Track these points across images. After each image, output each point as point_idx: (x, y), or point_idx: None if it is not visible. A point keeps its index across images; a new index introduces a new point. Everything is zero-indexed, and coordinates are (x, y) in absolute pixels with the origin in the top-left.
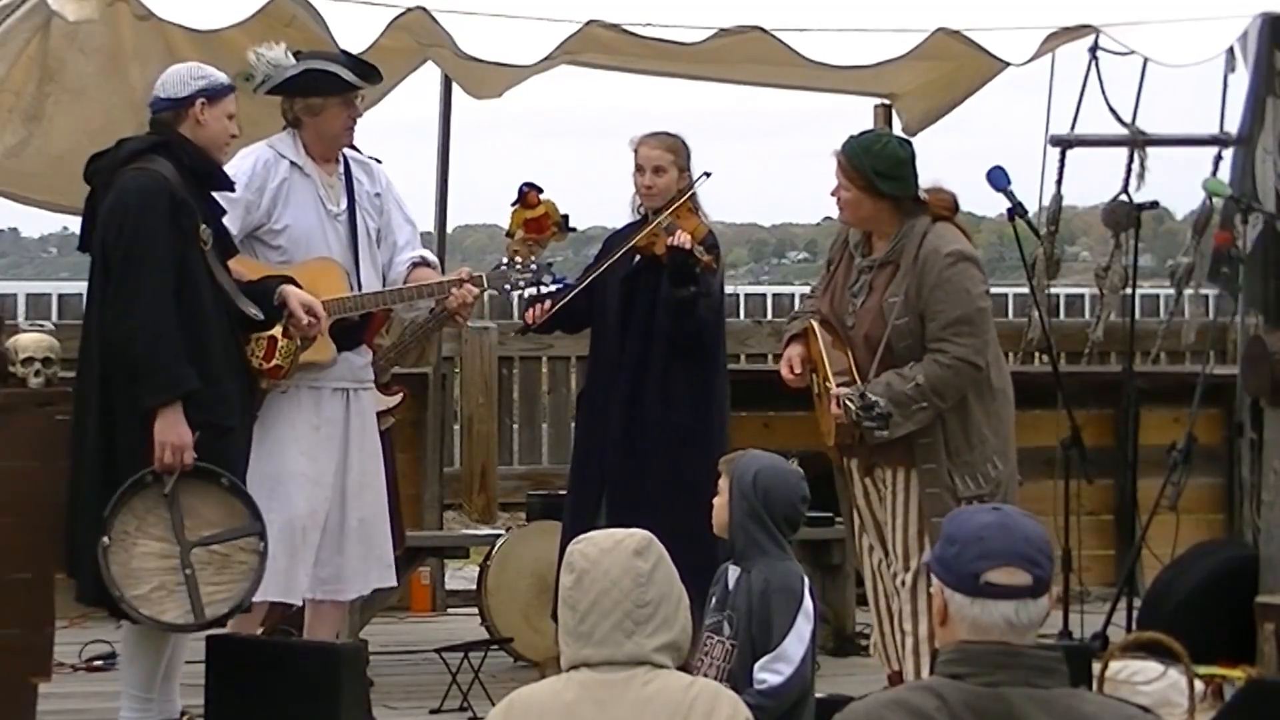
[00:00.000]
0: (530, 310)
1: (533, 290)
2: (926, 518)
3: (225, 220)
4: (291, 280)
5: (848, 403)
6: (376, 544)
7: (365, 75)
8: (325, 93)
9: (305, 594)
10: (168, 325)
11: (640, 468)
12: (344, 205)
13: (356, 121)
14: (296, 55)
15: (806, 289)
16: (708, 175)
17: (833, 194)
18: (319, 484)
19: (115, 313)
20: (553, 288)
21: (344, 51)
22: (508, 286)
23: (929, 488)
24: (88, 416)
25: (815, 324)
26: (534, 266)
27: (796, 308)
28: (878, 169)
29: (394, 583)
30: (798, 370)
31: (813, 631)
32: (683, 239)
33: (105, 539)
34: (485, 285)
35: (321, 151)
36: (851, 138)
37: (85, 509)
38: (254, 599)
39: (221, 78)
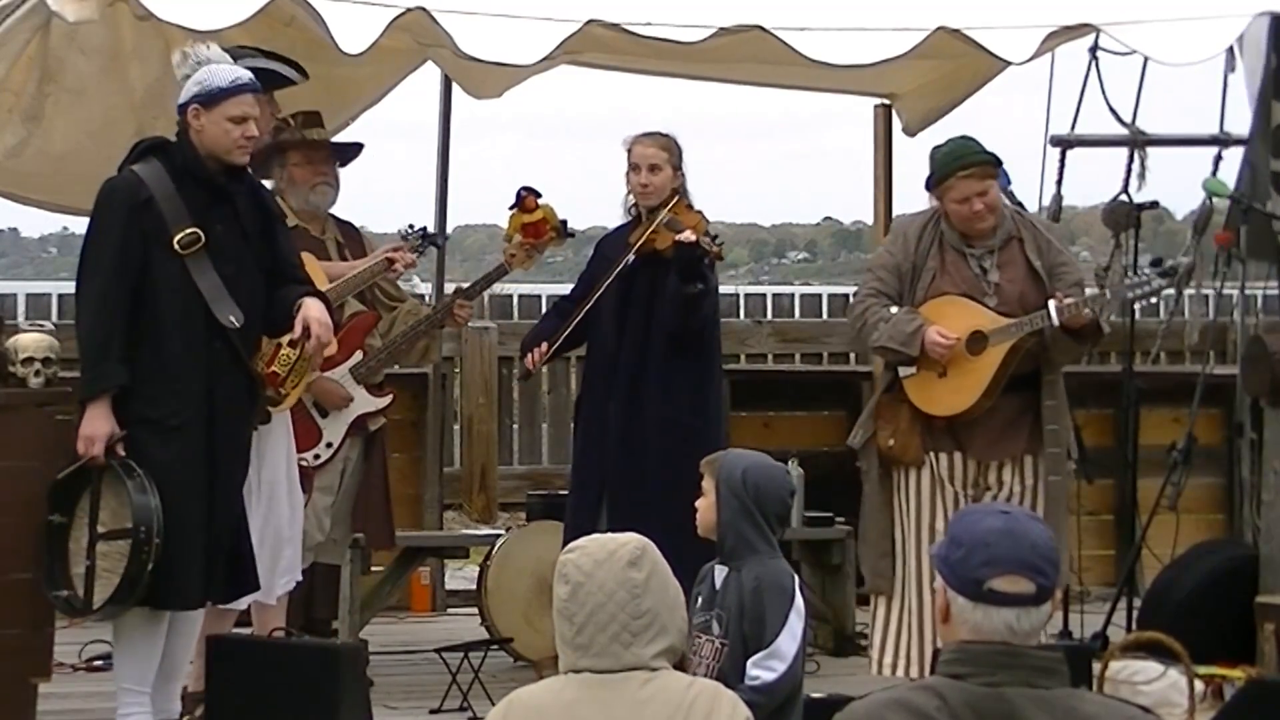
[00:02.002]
0: (529, 355)
1: (422, 254)
2: (1043, 479)
3: None
4: (323, 295)
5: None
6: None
7: (299, 70)
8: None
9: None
10: (104, 323)
11: (640, 466)
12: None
13: (273, 118)
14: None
15: (806, 289)
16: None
17: (975, 210)
18: (280, 485)
19: (75, 310)
20: (440, 241)
21: (257, 48)
22: (414, 251)
23: (1052, 447)
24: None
25: (952, 297)
26: (419, 231)
27: (868, 310)
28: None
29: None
30: (954, 335)
31: (804, 629)
32: (688, 234)
33: (56, 516)
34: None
35: None
36: (957, 152)
37: None
38: (229, 605)
39: (219, 81)
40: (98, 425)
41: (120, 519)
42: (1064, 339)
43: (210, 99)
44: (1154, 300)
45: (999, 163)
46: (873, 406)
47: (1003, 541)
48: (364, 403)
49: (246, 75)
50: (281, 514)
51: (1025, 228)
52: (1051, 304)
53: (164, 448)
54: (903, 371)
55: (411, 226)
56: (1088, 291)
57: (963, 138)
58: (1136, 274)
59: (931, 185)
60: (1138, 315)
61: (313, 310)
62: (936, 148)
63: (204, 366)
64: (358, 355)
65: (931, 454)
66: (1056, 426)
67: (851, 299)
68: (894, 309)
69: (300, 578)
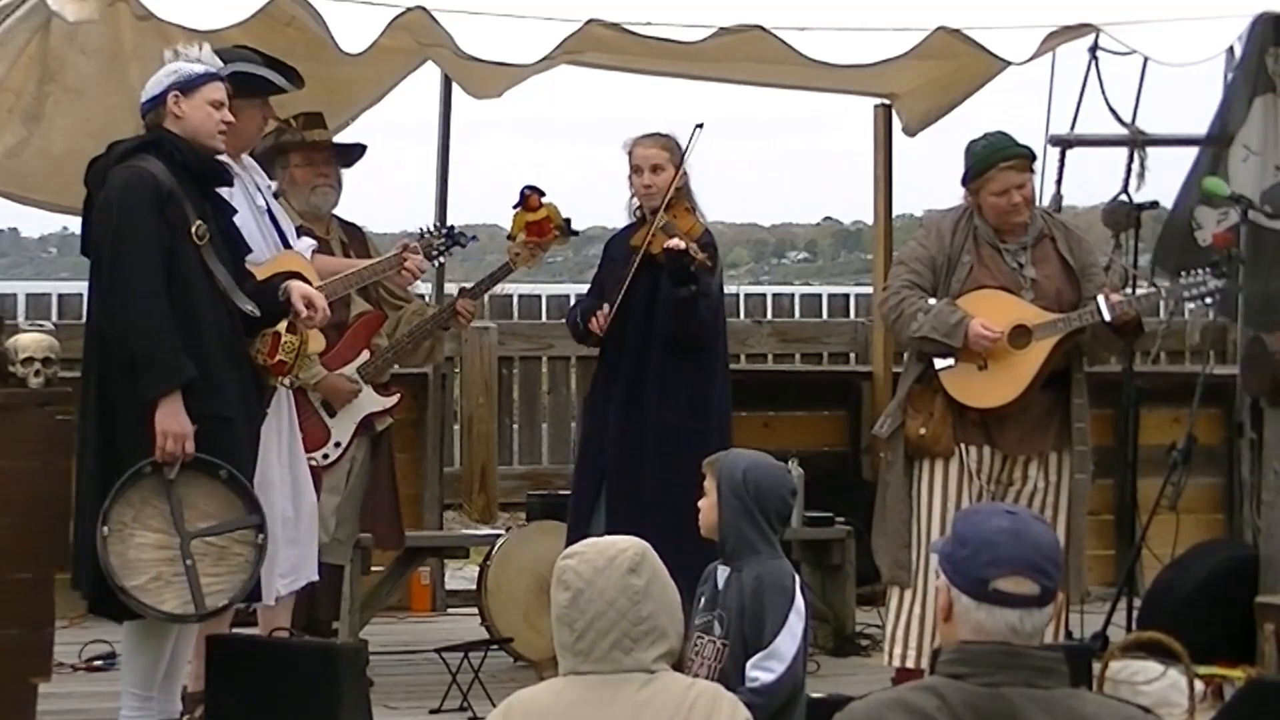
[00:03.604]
0: (594, 319)
1: (448, 254)
2: (1068, 477)
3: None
4: (299, 275)
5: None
6: (316, 529)
7: (288, 79)
8: (248, 95)
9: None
10: (161, 317)
11: (639, 468)
12: (263, 200)
13: (267, 121)
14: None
15: (806, 289)
16: (700, 127)
17: (1014, 203)
18: (277, 484)
19: (109, 309)
20: (463, 243)
21: (256, 50)
22: (434, 253)
23: (1079, 445)
24: (89, 416)
25: (992, 290)
26: (444, 231)
27: (904, 301)
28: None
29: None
30: (998, 328)
31: (804, 629)
32: (677, 241)
33: (104, 529)
34: (420, 253)
35: (237, 150)
36: (997, 144)
37: (88, 507)
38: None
39: (196, 68)
40: (184, 420)
41: (201, 518)
42: (1107, 335)
43: (189, 84)
44: (1208, 301)
45: (1035, 157)
46: (903, 396)
47: (1009, 542)
48: (372, 401)
49: (216, 64)
50: (274, 514)
51: (1056, 227)
52: (1102, 300)
53: (223, 440)
54: (939, 363)
55: (438, 226)
56: (1140, 290)
57: (999, 133)
58: (1193, 274)
59: (970, 178)
60: None
61: (307, 289)
62: (974, 141)
63: (232, 359)
64: (365, 354)
65: (961, 446)
66: (1083, 425)
67: (884, 289)
68: (931, 301)
69: (316, 577)
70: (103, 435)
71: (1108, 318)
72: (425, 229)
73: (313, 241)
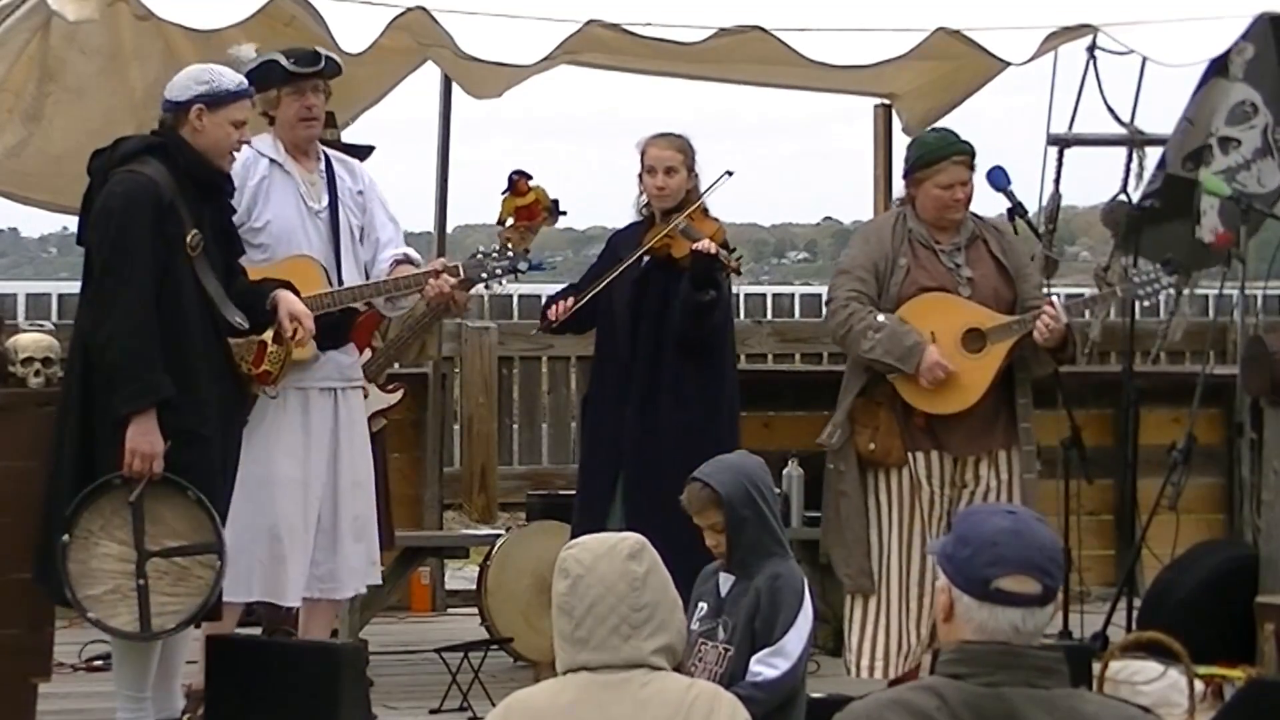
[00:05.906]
0: (554, 307)
1: (509, 277)
2: (1019, 475)
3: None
4: (289, 285)
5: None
6: (370, 541)
7: (311, 62)
8: (273, 84)
9: (299, 595)
10: (144, 332)
11: (656, 467)
12: (325, 202)
13: (313, 111)
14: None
15: (806, 289)
16: (730, 174)
17: (957, 199)
18: (308, 486)
19: (94, 319)
20: (524, 267)
21: (316, 50)
22: (484, 275)
23: (1025, 445)
24: (69, 419)
25: (939, 294)
26: (510, 254)
27: (852, 316)
28: None
29: (380, 580)
30: (952, 362)
31: (810, 634)
32: (707, 244)
33: (65, 536)
34: (461, 274)
35: (294, 144)
36: (949, 139)
37: (58, 515)
38: (240, 599)
39: (227, 84)
40: (154, 440)
41: (170, 536)
42: (1041, 351)
43: (217, 100)
44: (1162, 298)
45: (975, 157)
46: (848, 409)
47: (1011, 542)
48: (377, 400)
49: (246, 81)
50: (276, 514)
51: (987, 229)
52: (1057, 300)
53: (196, 459)
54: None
55: (501, 249)
56: (1087, 292)
57: (947, 129)
58: (1145, 272)
59: (919, 167)
60: (1138, 315)
61: (295, 305)
62: (924, 133)
63: (214, 372)
64: (366, 354)
65: (910, 454)
66: (1028, 424)
67: (829, 300)
68: (880, 316)
69: (355, 593)
70: (82, 444)
71: (1064, 318)
72: (483, 250)
73: (407, 251)
